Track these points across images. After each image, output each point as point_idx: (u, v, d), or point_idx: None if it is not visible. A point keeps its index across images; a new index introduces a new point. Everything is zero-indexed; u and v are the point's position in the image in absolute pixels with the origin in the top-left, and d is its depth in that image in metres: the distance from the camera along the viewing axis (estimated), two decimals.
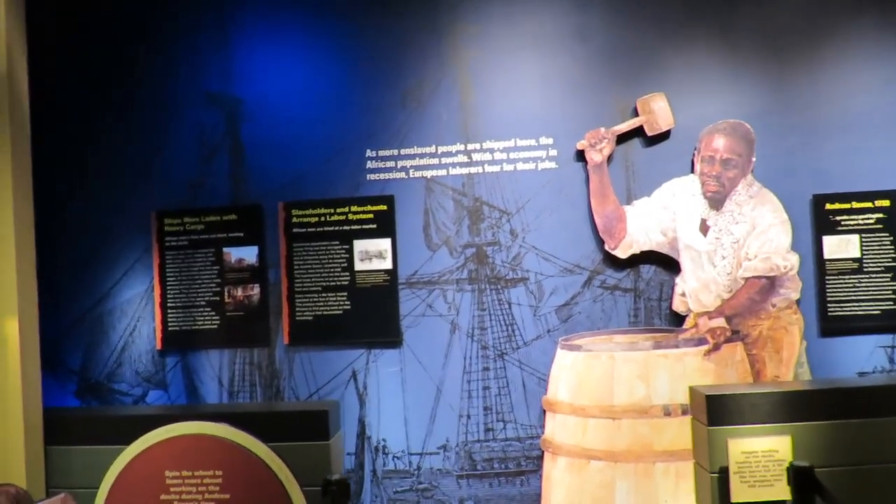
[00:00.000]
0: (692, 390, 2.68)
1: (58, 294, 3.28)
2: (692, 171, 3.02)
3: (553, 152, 3.12)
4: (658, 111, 3.00)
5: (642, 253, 3.03)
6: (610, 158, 3.04)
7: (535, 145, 3.13)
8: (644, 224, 3.01)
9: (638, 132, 3.05)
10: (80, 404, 3.33)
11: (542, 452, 3.07)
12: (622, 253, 3.03)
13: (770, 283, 2.93)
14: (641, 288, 3.07)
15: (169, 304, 3.28)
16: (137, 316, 3.33)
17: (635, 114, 3.05)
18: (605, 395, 2.93)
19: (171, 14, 3.31)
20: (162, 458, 2.43)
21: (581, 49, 3.11)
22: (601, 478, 2.86)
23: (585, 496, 2.87)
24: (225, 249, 3.26)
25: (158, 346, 3.28)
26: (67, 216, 3.29)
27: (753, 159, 2.97)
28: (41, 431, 2.61)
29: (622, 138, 3.05)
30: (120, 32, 3.32)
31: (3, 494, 2.02)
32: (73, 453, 2.70)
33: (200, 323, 3.27)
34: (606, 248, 3.04)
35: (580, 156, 3.09)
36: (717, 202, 2.97)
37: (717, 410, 2.51)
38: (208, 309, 3.26)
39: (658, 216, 3.01)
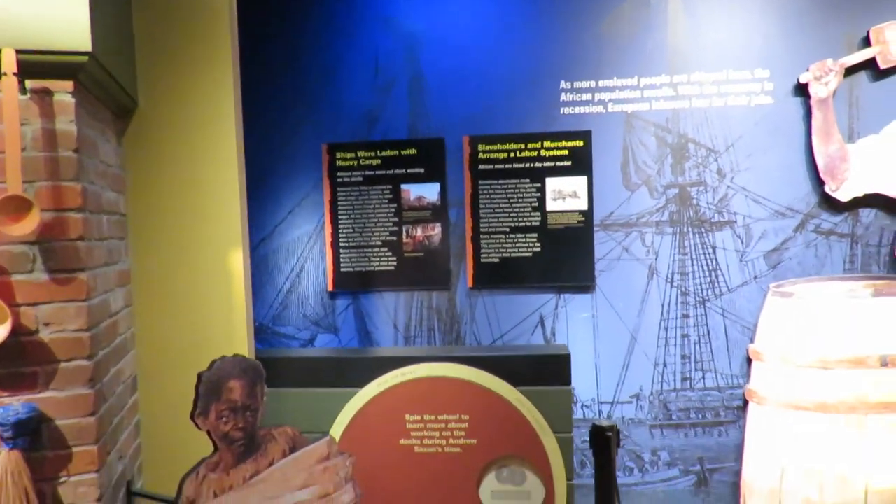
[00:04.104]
0: None
1: None
2: None
3: (769, 86, 2.89)
4: (895, 41, 2.76)
5: (865, 196, 2.84)
6: (834, 93, 2.82)
7: (749, 78, 2.90)
8: (871, 164, 2.81)
9: (866, 65, 2.82)
10: None
11: (744, 402, 2.95)
12: (844, 195, 2.84)
13: None
14: (860, 233, 2.89)
15: (341, 244, 3.10)
16: (305, 256, 3.16)
17: (866, 44, 2.81)
18: (818, 344, 2.80)
19: None
20: (401, 401, 2.29)
21: None
22: (810, 429, 2.75)
23: (793, 448, 2.76)
24: (403, 186, 3.07)
25: (329, 287, 3.11)
26: None
27: None
28: None
29: (849, 71, 2.82)
30: None
31: (282, 436, 1.90)
32: (280, 396, 2.54)
33: (375, 264, 3.09)
34: (827, 190, 2.85)
35: (799, 90, 2.87)
36: None
37: None
38: (384, 249, 3.09)
39: (887, 156, 2.80)
